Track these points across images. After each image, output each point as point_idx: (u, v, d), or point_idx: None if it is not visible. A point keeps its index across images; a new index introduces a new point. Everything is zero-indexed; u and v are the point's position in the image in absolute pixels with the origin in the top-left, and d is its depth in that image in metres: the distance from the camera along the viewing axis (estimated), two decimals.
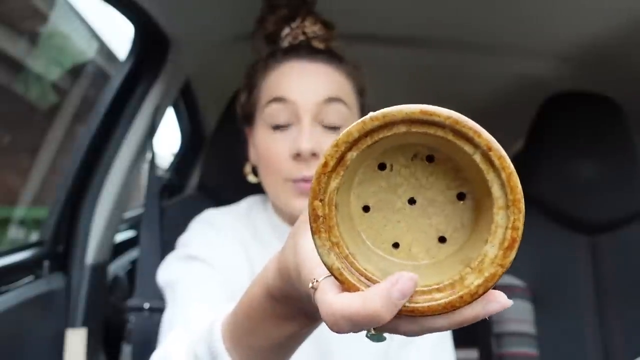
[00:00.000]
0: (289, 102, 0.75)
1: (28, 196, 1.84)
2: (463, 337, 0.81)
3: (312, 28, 0.82)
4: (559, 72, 1.50)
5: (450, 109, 0.32)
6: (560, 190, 1.22)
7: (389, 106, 0.33)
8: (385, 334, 0.35)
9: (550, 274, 1.20)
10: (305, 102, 0.75)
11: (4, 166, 2.08)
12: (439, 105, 0.33)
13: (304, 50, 0.80)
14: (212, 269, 0.76)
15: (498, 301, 0.33)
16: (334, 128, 0.76)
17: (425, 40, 1.39)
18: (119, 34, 1.49)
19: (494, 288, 0.34)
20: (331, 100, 0.76)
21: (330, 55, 0.81)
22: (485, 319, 0.33)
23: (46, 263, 1.12)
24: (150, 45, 1.22)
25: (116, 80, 1.23)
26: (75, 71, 2.08)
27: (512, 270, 1.18)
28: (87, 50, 2.17)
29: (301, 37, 0.82)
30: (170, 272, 0.79)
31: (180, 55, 1.27)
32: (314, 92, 0.75)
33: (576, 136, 1.22)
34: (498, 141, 0.33)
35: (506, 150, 0.33)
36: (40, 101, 2.09)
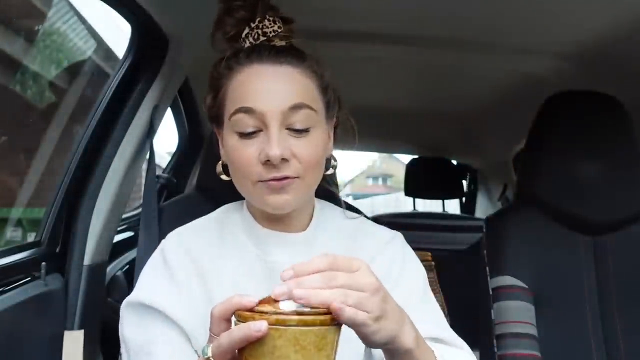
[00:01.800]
0: (256, 112, 0.77)
1: (25, 197, 1.83)
2: (464, 338, 0.81)
3: (272, 27, 0.83)
4: (560, 70, 1.49)
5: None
6: (562, 190, 1.21)
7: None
8: None
9: (551, 274, 1.19)
10: (272, 111, 0.77)
11: (0, 166, 2.07)
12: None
13: (266, 52, 0.81)
14: (164, 323, 0.78)
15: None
16: (302, 131, 0.78)
17: (427, 38, 1.38)
18: (117, 32, 1.48)
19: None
20: (297, 106, 0.78)
21: (292, 55, 0.82)
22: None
23: (43, 264, 1.11)
24: (149, 43, 1.21)
25: (114, 79, 1.22)
26: (73, 70, 2.07)
27: (514, 271, 1.18)
28: (85, 49, 2.16)
29: (262, 38, 0.83)
30: (124, 328, 0.81)
31: (179, 54, 1.26)
32: (279, 100, 0.77)
33: (578, 135, 1.21)
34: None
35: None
36: (38, 100, 2.08)
